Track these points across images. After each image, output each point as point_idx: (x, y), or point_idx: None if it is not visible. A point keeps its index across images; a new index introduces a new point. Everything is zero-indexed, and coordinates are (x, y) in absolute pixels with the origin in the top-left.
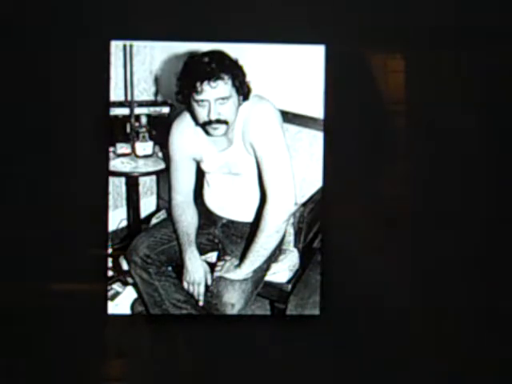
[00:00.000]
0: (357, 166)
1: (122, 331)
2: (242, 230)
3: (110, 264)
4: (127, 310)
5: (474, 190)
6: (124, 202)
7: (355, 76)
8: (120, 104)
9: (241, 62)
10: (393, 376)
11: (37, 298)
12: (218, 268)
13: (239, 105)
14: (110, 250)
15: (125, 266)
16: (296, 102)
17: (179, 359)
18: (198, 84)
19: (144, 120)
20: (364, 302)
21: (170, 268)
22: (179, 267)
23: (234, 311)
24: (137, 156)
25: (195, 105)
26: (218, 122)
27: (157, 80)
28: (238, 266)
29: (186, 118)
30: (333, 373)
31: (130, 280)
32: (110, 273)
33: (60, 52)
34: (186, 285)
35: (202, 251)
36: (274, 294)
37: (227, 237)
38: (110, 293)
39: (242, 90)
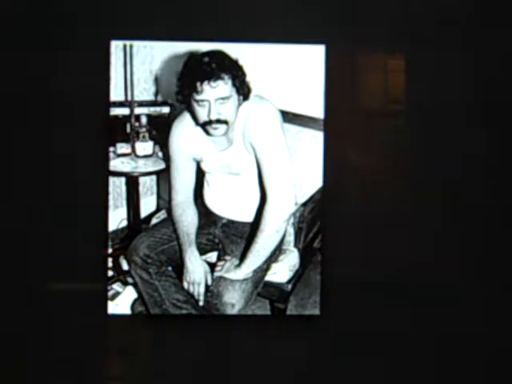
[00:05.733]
0: (357, 166)
1: (122, 331)
2: (242, 229)
3: (110, 264)
4: (127, 310)
5: (475, 190)
6: (124, 202)
7: (355, 76)
8: (120, 104)
9: (241, 62)
10: (393, 376)
11: (37, 298)
12: (218, 268)
13: (239, 105)
14: (110, 250)
15: (125, 266)
16: (296, 102)
17: (179, 359)
18: (198, 84)
19: (144, 120)
20: (364, 302)
21: (170, 268)
22: (179, 267)
23: (234, 311)
24: (137, 156)
25: (195, 105)
26: (218, 121)
27: (157, 80)
28: (238, 265)
29: (186, 118)
30: (333, 373)
31: (130, 280)
32: (110, 273)
33: (60, 52)
34: (186, 285)
35: (202, 251)
36: (274, 293)
37: (227, 237)
38: (110, 293)
39: (242, 90)
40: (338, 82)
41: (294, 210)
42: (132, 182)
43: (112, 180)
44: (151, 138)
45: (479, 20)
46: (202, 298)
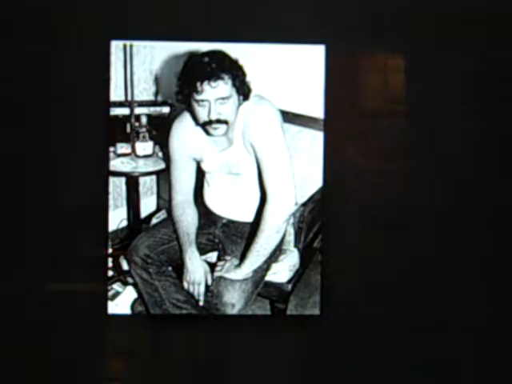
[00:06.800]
0: (357, 166)
1: (122, 331)
2: (242, 229)
3: (110, 264)
4: (127, 310)
5: (475, 190)
6: (124, 202)
7: (355, 76)
8: (120, 104)
9: (241, 62)
10: (393, 376)
11: (37, 298)
12: (218, 268)
13: (239, 105)
14: (110, 250)
15: (125, 266)
16: (296, 102)
17: (179, 359)
18: (198, 84)
19: (144, 120)
20: (364, 302)
21: (170, 268)
22: (179, 267)
23: (234, 311)
24: (137, 156)
25: (195, 105)
26: (218, 121)
27: (157, 80)
28: (238, 265)
29: (186, 118)
30: (333, 373)
31: (130, 280)
32: (110, 273)
33: (60, 52)
34: (186, 285)
35: (202, 251)
36: (274, 293)
37: (227, 237)
38: (110, 293)
39: (242, 90)
40: (338, 82)
41: (294, 210)
42: (132, 182)
43: (112, 180)
44: (151, 138)
45: (479, 20)
46: (202, 298)
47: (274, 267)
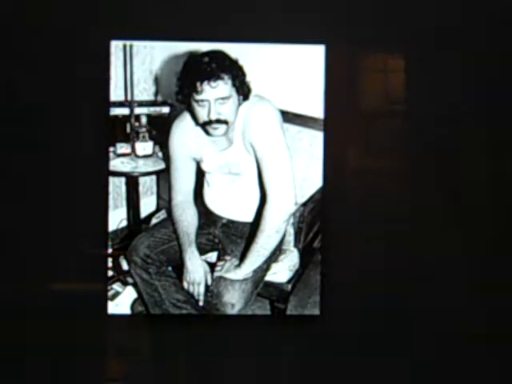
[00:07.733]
0: (357, 166)
1: (122, 331)
2: (242, 229)
3: (110, 264)
4: (127, 310)
5: (475, 190)
6: (124, 202)
7: (355, 76)
8: (120, 104)
9: (241, 62)
10: (393, 376)
11: (37, 298)
12: (218, 268)
13: (239, 105)
14: (110, 250)
15: (125, 266)
16: (296, 102)
17: (179, 359)
18: (198, 84)
19: (144, 120)
20: (364, 302)
21: (170, 268)
22: (179, 267)
23: (234, 311)
24: (137, 156)
25: (195, 105)
26: (218, 121)
27: (157, 80)
28: (238, 265)
29: (186, 118)
30: (333, 373)
31: (129, 280)
32: (110, 273)
33: (60, 52)
34: (186, 285)
35: (202, 251)
36: (274, 293)
37: (227, 237)
38: (110, 293)
39: (242, 90)
40: (338, 82)
41: (294, 210)
42: (132, 182)
43: (112, 180)
44: (151, 138)
45: (479, 20)
46: (201, 297)
47: (274, 267)
